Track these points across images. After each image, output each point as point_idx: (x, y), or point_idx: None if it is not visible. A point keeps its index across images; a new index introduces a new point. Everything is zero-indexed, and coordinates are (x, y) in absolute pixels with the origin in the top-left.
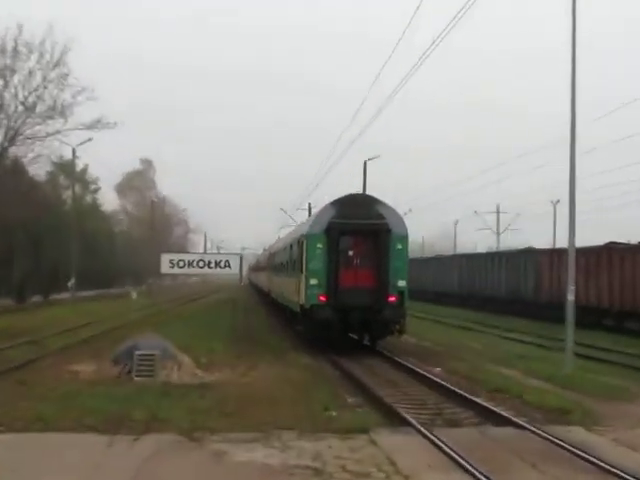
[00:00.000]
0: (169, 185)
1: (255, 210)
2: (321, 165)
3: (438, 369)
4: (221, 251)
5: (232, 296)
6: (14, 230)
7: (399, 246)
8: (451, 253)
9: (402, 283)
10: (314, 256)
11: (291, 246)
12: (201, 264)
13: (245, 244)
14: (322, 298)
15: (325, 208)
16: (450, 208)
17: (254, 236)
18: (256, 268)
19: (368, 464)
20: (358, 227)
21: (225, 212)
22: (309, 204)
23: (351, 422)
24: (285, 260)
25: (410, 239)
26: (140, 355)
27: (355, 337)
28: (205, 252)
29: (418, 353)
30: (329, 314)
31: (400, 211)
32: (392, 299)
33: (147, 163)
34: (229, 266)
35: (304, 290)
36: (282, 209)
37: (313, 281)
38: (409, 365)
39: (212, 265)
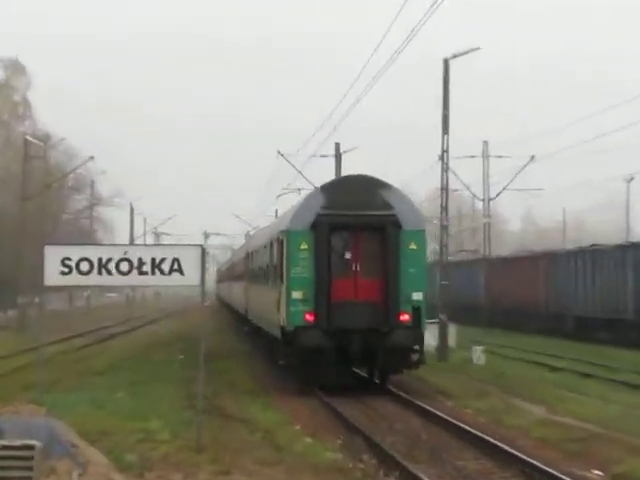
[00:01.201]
0: (60, 119)
1: (231, 173)
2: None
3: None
4: (165, 242)
5: (185, 327)
6: None
7: (413, 245)
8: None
9: (418, 296)
10: (297, 260)
11: (271, 244)
12: (124, 267)
13: (214, 234)
14: (309, 317)
15: (312, 195)
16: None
17: (227, 219)
18: (228, 276)
19: None
20: (357, 220)
21: (173, 174)
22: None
23: None
24: (263, 264)
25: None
26: (3, 449)
27: (360, 371)
28: (132, 243)
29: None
30: (319, 339)
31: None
32: (405, 318)
33: (14, 67)
34: (179, 270)
35: (285, 307)
36: (280, 153)
37: (296, 294)
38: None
39: (146, 269)
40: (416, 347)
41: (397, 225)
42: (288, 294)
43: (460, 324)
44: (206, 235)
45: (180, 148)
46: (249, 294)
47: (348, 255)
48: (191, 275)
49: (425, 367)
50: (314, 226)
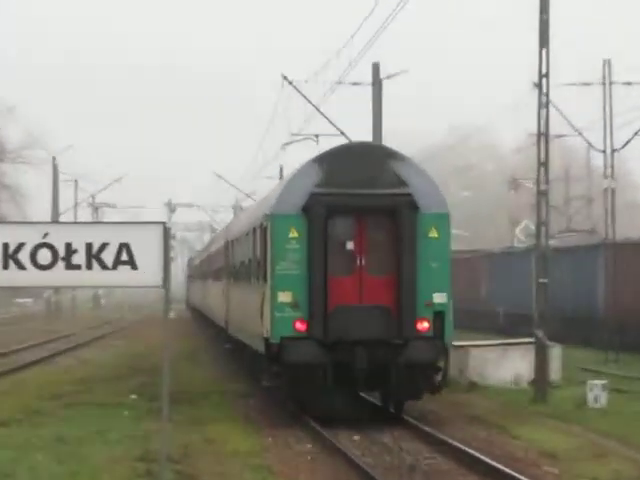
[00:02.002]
0: None
1: (214, 118)
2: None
3: None
4: (108, 219)
5: (140, 351)
6: None
7: (434, 233)
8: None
9: (441, 297)
10: (284, 253)
11: (254, 232)
12: (44, 257)
13: (185, 205)
14: (300, 326)
15: (303, 169)
16: None
17: (206, 184)
18: (202, 272)
19: None
20: (362, 201)
21: (124, 121)
22: None
23: None
24: (245, 258)
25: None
26: None
27: (370, 398)
28: (57, 220)
29: None
30: (312, 354)
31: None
32: (424, 326)
33: None
34: (130, 263)
35: (269, 312)
36: (286, 79)
37: (283, 296)
38: None
39: (77, 260)
40: (439, 364)
41: (414, 207)
42: (273, 296)
43: (564, 345)
44: (171, 208)
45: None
46: (230, 299)
47: (350, 246)
48: (148, 271)
49: (513, 411)
50: (306, 209)
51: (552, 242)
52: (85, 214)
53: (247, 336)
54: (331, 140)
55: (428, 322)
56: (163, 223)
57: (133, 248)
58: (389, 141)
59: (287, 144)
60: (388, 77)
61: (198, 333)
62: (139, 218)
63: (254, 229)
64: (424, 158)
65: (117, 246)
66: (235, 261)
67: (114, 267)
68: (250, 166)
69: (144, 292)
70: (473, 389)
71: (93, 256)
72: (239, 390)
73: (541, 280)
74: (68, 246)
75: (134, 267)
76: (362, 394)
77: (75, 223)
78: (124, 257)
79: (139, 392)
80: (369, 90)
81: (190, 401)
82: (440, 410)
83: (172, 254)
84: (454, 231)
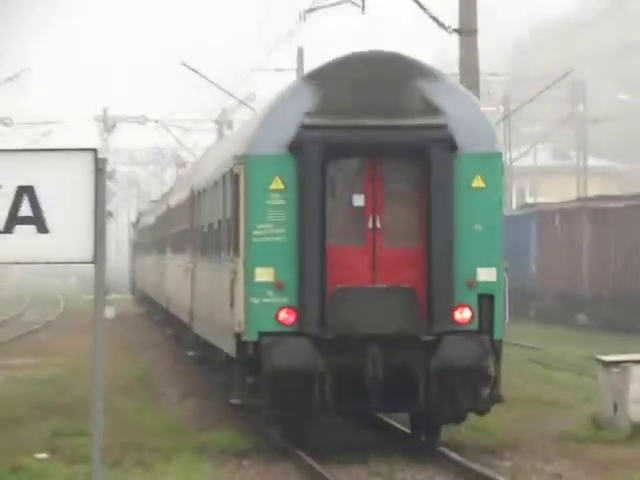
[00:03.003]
0: None
1: None
2: None
3: None
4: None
5: (52, 375)
6: None
7: (479, 182)
8: None
9: (489, 274)
10: (264, 212)
11: (223, 181)
12: None
13: (133, 120)
14: (286, 316)
15: (291, 91)
16: None
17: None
18: (155, 241)
19: None
20: (375, 137)
21: None
22: None
23: None
24: (214, 220)
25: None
26: None
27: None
28: None
29: None
30: (305, 357)
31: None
32: (464, 315)
33: None
34: (37, 221)
35: (242, 297)
36: None
37: (262, 274)
38: None
39: None
40: (488, 370)
41: (450, 145)
42: (247, 274)
43: None
44: (108, 124)
45: None
46: (196, 281)
47: (359, 202)
48: (67, 235)
49: None
50: (295, 148)
51: None
52: None
53: (215, 334)
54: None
55: (471, 309)
56: (93, 150)
57: (40, 196)
58: None
59: (311, 10)
60: None
61: (153, 338)
62: (52, 142)
63: (223, 176)
64: None
65: (12, 192)
66: (202, 224)
67: (7, 229)
68: (247, 53)
69: (62, 270)
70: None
71: None
72: (224, 441)
73: None
74: None
75: (42, 229)
76: (380, 415)
77: None
78: (24, 211)
79: (52, 447)
80: None
81: (142, 464)
82: (574, 470)
83: (109, 207)
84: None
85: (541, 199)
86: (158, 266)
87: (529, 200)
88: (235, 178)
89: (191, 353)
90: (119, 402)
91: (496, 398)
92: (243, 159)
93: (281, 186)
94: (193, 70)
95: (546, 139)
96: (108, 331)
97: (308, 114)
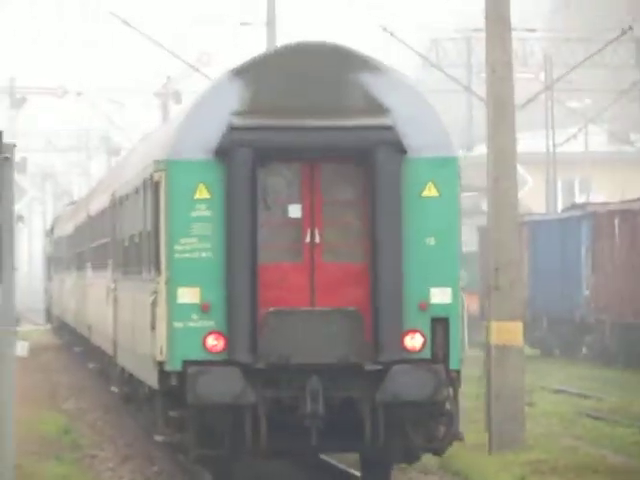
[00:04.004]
0: None
1: None
2: None
3: None
4: None
5: None
6: None
7: (432, 190)
8: None
9: (443, 295)
10: (188, 225)
11: (144, 188)
12: None
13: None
14: (213, 343)
15: (218, 87)
16: None
17: None
18: (72, 254)
19: None
20: (313, 141)
21: None
22: None
23: None
24: (134, 231)
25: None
26: None
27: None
28: None
29: None
30: (235, 389)
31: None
32: (415, 342)
33: None
34: None
35: (165, 321)
36: None
37: (186, 294)
38: None
39: None
40: (442, 403)
41: (397, 148)
42: (170, 295)
43: None
44: (16, 99)
45: None
46: (118, 303)
47: (296, 213)
48: None
49: None
50: (223, 152)
51: None
52: None
53: (137, 365)
54: None
55: (422, 335)
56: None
57: None
58: None
59: None
60: None
61: (76, 378)
62: None
63: (144, 183)
64: None
65: None
66: (124, 237)
67: None
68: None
69: None
70: None
71: None
72: None
73: None
74: None
75: None
76: (323, 456)
77: None
78: None
79: None
80: None
81: None
82: None
83: (19, 209)
84: None
85: (595, 197)
86: (78, 287)
87: (579, 199)
88: (155, 186)
89: (115, 389)
90: (37, 468)
91: (454, 436)
92: (163, 164)
93: (207, 195)
94: (126, 23)
95: (600, 118)
96: (19, 372)
97: (237, 114)
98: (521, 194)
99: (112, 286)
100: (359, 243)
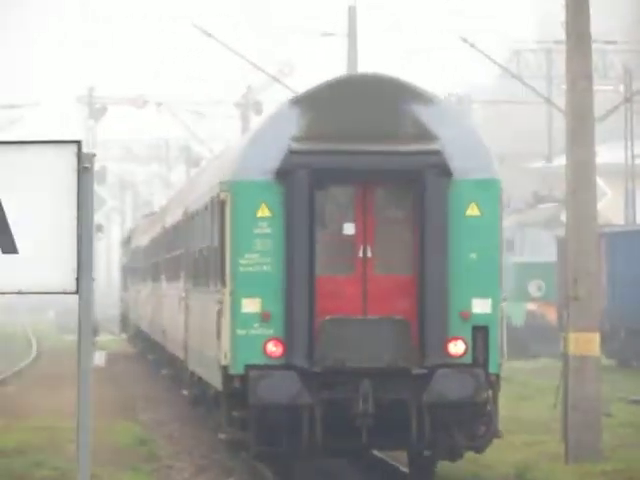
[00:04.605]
0: None
1: None
2: None
3: None
4: None
5: None
6: None
7: (475, 210)
8: None
9: (484, 305)
10: (250, 241)
11: (212, 207)
12: None
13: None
14: (273, 349)
15: (279, 115)
16: None
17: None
18: (148, 264)
19: None
20: (366, 164)
21: None
22: None
23: None
24: (203, 245)
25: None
26: None
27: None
28: None
29: None
30: (292, 391)
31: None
32: (458, 348)
33: None
34: (3, 239)
35: (228, 329)
36: None
37: (249, 305)
38: None
39: None
40: (483, 404)
41: (444, 172)
42: (234, 305)
43: None
44: (95, 109)
45: None
46: (189, 312)
47: (350, 230)
48: (44, 258)
49: None
50: (283, 174)
51: None
52: None
53: (205, 369)
54: None
55: (464, 342)
56: (76, 142)
57: (6, 205)
58: None
59: None
60: None
61: (152, 388)
62: (21, 132)
63: (211, 200)
64: None
65: None
66: (195, 250)
67: None
68: (279, 12)
69: (35, 302)
70: None
71: None
72: None
73: None
74: None
75: (8, 248)
76: (376, 453)
77: None
78: None
79: None
80: None
81: None
82: None
83: (98, 219)
84: None
85: None
86: (153, 297)
87: None
88: (221, 204)
89: (185, 392)
90: (114, 479)
91: (493, 434)
92: (229, 185)
93: (268, 213)
94: (208, 34)
95: None
96: (96, 382)
97: (296, 139)
98: (600, 206)
99: (183, 295)
100: (407, 257)
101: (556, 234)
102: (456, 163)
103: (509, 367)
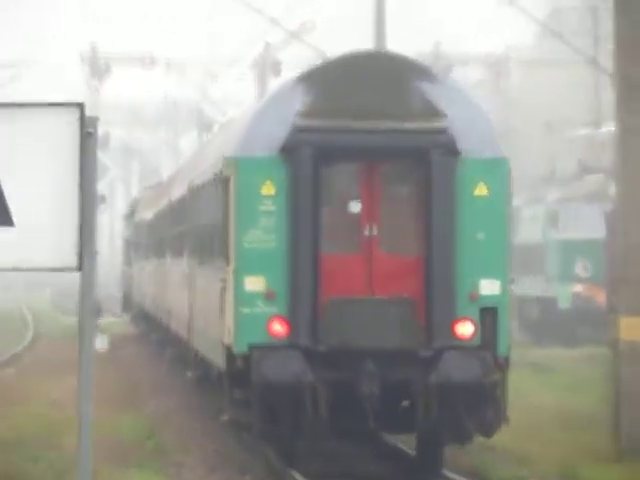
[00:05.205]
0: None
1: None
2: None
3: None
4: None
5: None
6: None
7: (483, 189)
8: None
9: (492, 286)
10: (254, 218)
11: (215, 181)
12: None
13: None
14: (277, 328)
15: (283, 90)
16: None
17: None
18: (152, 239)
19: None
20: (372, 141)
21: None
22: None
23: None
24: (208, 222)
25: None
26: None
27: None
28: None
29: None
30: (297, 371)
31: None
32: (466, 330)
33: None
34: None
35: (232, 307)
36: None
37: (253, 282)
38: None
39: None
40: (491, 387)
41: (451, 150)
42: (237, 283)
43: None
44: (98, 68)
45: None
46: (194, 291)
47: (355, 208)
48: (43, 231)
49: None
50: (288, 151)
51: None
52: None
53: (208, 348)
54: None
55: (473, 324)
56: (78, 105)
57: (1, 173)
58: None
59: None
60: None
61: (156, 375)
62: (19, 92)
63: (215, 176)
64: None
65: None
66: (200, 226)
67: None
68: None
69: (32, 279)
70: None
71: None
72: None
73: None
74: None
75: (4, 221)
76: (382, 435)
77: None
78: None
79: None
80: None
81: None
82: None
83: (101, 188)
84: None
85: None
86: (157, 274)
87: None
88: (225, 181)
89: (189, 374)
90: (116, 476)
91: (501, 419)
92: (233, 161)
93: (272, 191)
94: None
95: None
96: (98, 368)
97: (301, 115)
98: None
99: (188, 273)
100: (414, 237)
101: (604, 208)
102: (463, 142)
103: (553, 354)
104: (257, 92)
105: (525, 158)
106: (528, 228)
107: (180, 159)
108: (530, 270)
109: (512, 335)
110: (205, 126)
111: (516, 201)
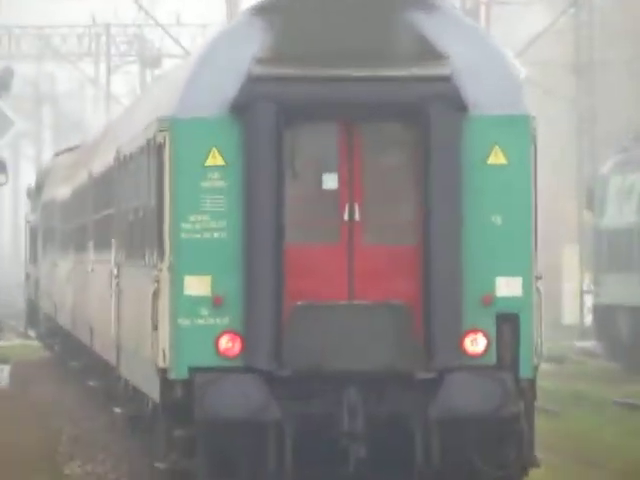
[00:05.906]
0: None
1: None
2: None
3: None
4: None
5: None
6: None
7: (499, 158)
8: None
9: (513, 286)
10: (196, 198)
11: (147, 148)
12: None
13: None
14: (228, 345)
15: (235, 28)
16: None
17: None
18: (67, 225)
19: None
20: (351, 95)
21: None
22: None
23: None
24: (138, 203)
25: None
26: None
27: None
28: None
29: None
30: (254, 402)
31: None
32: (478, 345)
33: None
34: None
35: (167, 318)
36: None
37: (195, 285)
38: None
39: None
40: (512, 420)
41: (456, 104)
42: (175, 284)
43: None
44: None
45: None
46: (121, 296)
47: (331, 183)
48: None
49: None
50: (241, 109)
51: None
52: None
53: (139, 374)
54: None
55: (486, 336)
56: None
57: None
58: None
59: None
60: None
61: (80, 426)
62: None
63: (147, 143)
64: None
65: None
66: (128, 208)
67: None
68: None
69: None
70: None
71: None
72: None
73: None
74: None
75: None
76: None
77: None
78: None
79: None
80: None
81: None
82: None
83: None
84: None
85: None
86: (75, 275)
87: None
88: (158, 149)
89: (118, 410)
90: None
91: (528, 461)
92: (168, 123)
93: (221, 161)
94: None
95: None
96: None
97: (259, 61)
98: None
99: (115, 272)
100: (408, 221)
101: None
102: (472, 93)
103: None
104: (227, 13)
105: (611, 105)
106: (618, 206)
107: (113, 109)
108: (620, 267)
109: (542, 350)
110: (151, 60)
111: (599, 168)
